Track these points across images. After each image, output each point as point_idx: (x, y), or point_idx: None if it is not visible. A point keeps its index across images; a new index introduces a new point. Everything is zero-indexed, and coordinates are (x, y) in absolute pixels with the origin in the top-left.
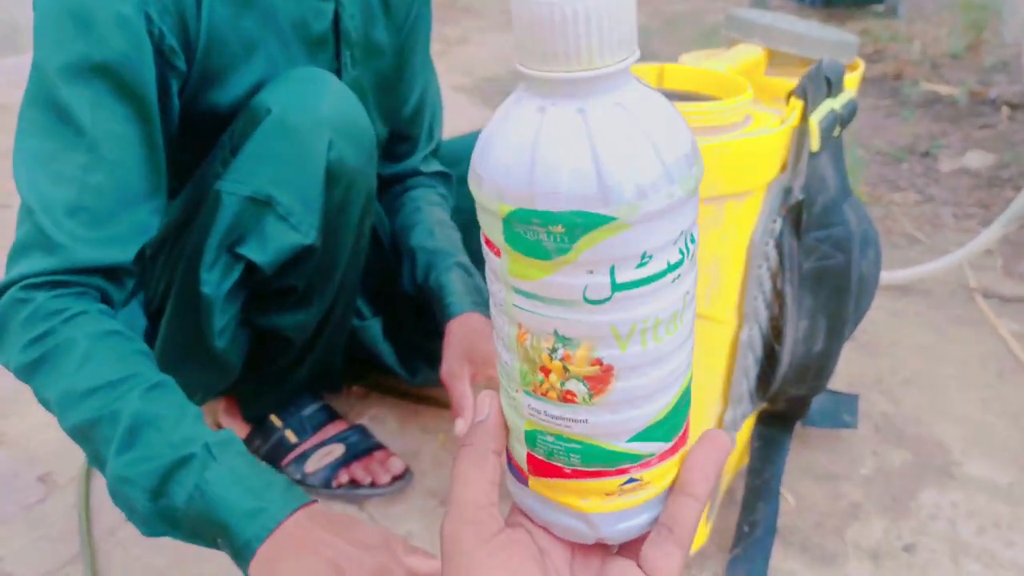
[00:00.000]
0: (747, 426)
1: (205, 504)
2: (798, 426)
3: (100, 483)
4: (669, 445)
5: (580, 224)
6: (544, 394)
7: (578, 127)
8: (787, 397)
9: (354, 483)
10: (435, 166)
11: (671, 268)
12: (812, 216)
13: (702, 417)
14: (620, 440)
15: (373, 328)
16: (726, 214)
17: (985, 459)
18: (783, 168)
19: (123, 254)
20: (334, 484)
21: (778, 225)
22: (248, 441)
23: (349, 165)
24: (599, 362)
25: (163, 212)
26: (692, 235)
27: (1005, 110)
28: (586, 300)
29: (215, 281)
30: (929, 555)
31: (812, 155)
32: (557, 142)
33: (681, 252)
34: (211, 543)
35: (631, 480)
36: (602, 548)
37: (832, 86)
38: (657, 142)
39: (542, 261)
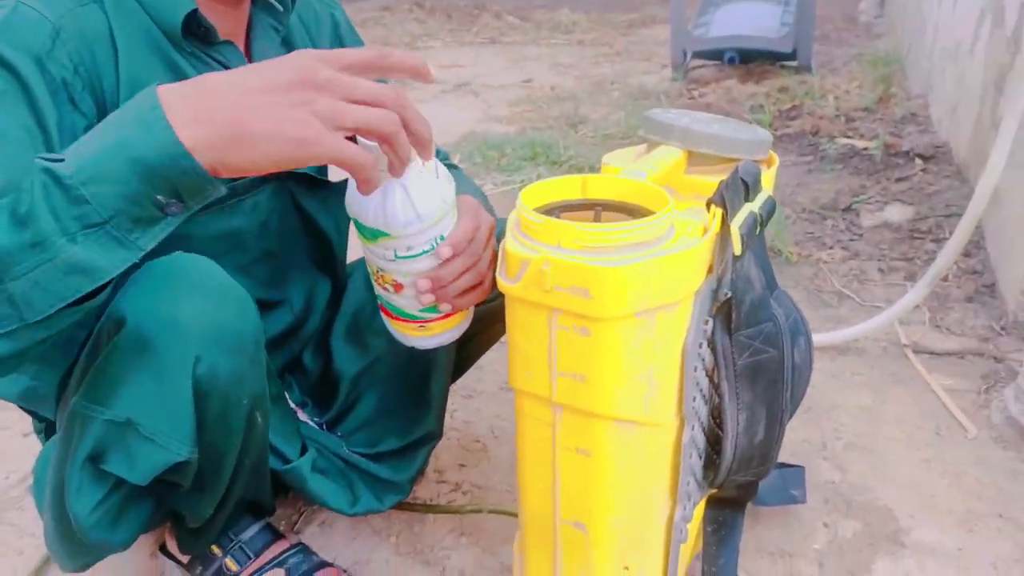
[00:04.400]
0: (699, 510)
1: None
2: (749, 504)
3: None
4: (438, 316)
5: (379, 234)
6: (381, 289)
7: (385, 197)
8: (736, 484)
9: None
10: None
11: (424, 252)
12: (741, 316)
13: (651, 518)
14: (414, 310)
15: (300, 470)
16: (658, 324)
17: (932, 524)
18: (710, 271)
19: None
20: None
21: (710, 325)
22: (190, 567)
23: (223, 377)
24: (394, 281)
25: None
26: (442, 236)
27: (918, 162)
28: (388, 260)
29: (83, 500)
30: None
31: (736, 257)
32: (376, 202)
33: (432, 244)
34: (143, 184)
35: (423, 326)
36: None
37: (750, 189)
38: (418, 206)
39: (369, 242)
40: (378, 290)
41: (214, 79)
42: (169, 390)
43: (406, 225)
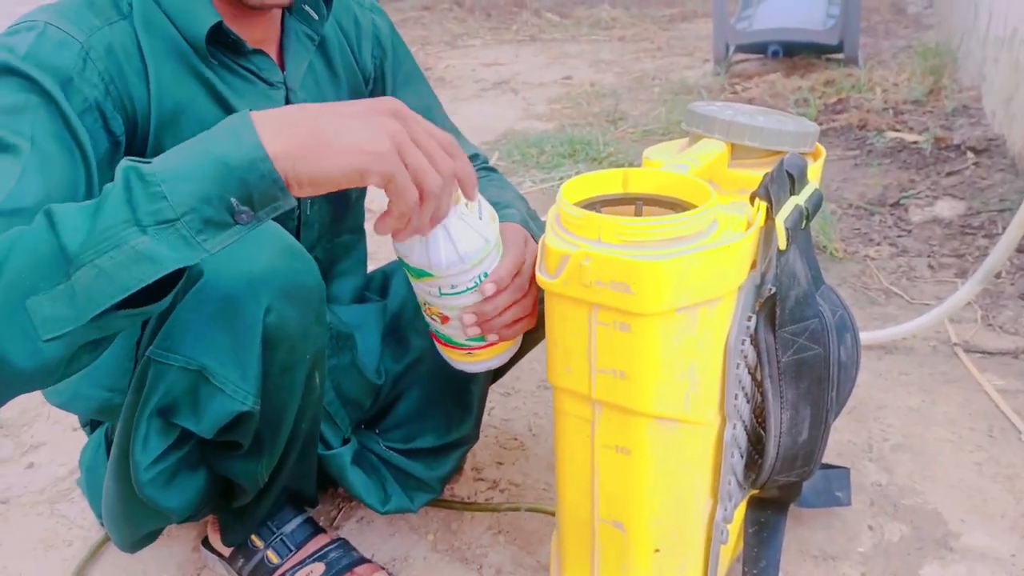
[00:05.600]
0: (739, 511)
1: (187, 166)
2: (791, 506)
3: None
4: (485, 344)
5: (423, 273)
6: (429, 319)
7: (428, 239)
8: (778, 485)
9: None
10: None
11: (468, 289)
12: (785, 312)
13: (691, 518)
14: (461, 339)
15: (341, 458)
16: (700, 320)
17: (984, 528)
18: (754, 266)
19: None
20: None
21: (753, 321)
22: (231, 560)
23: (290, 328)
24: (440, 314)
25: None
26: (486, 273)
27: (970, 155)
28: (435, 295)
29: (147, 451)
30: None
31: (780, 252)
32: (420, 243)
33: (476, 282)
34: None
35: (470, 353)
36: None
37: (795, 182)
38: (459, 247)
39: (415, 279)
40: (426, 318)
41: (304, 105)
42: (240, 338)
43: (449, 266)
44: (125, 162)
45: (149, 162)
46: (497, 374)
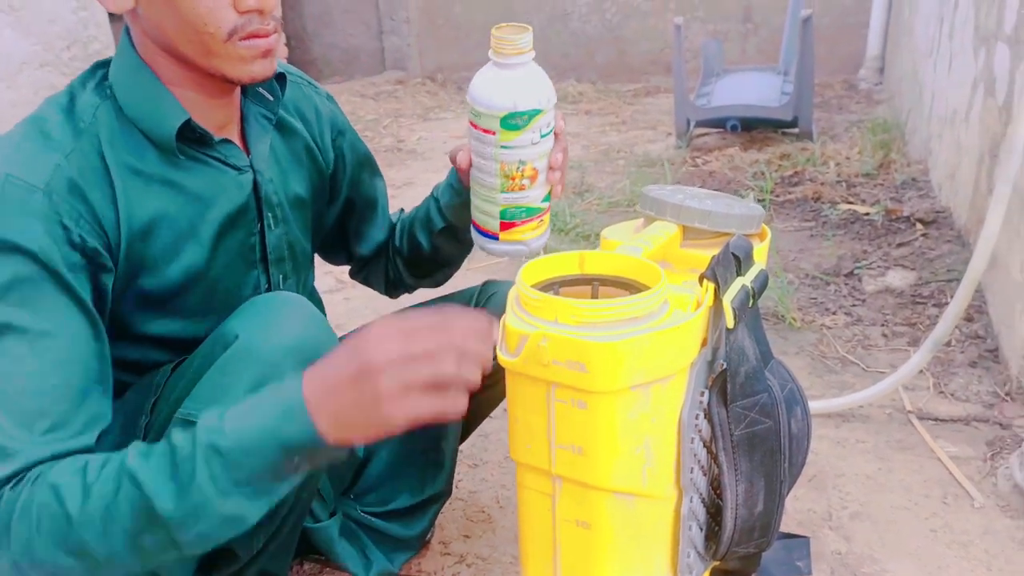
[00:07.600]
0: None
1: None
2: None
3: None
4: (547, 209)
5: (532, 112)
6: (511, 190)
7: (528, 78)
8: (738, 556)
9: None
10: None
11: (551, 129)
12: (736, 387)
13: None
14: (538, 202)
15: (329, 530)
16: (653, 397)
17: None
18: (704, 344)
19: (85, 442)
20: None
21: (706, 397)
22: None
23: None
24: (533, 171)
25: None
26: (552, 125)
27: (919, 227)
28: (530, 144)
29: None
30: None
31: (729, 330)
32: (524, 86)
33: (551, 126)
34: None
35: (540, 220)
36: None
37: (741, 263)
38: (547, 86)
39: (517, 131)
40: (508, 200)
41: (334, 378)
42: None
43: (550, 99)
44: (202, 436)
45: (222, 428)
46: (464, 434)
